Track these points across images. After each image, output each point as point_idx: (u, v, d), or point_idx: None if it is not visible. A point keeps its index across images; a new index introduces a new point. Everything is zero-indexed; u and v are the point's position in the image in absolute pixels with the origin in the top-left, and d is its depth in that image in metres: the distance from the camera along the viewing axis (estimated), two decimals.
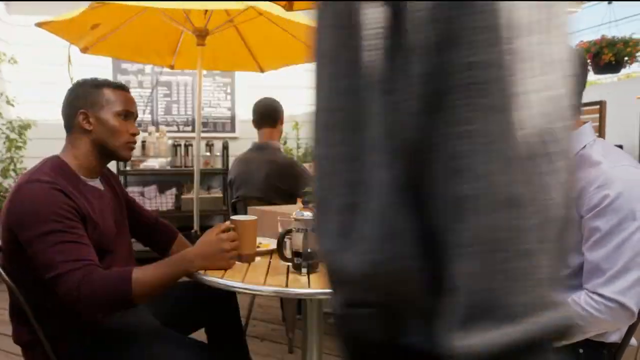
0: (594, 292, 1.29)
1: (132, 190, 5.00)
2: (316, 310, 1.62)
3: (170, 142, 5.25)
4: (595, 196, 1.30)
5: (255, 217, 1.55)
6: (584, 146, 1.40)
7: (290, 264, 1.44)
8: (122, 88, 1.66)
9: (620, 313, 1.27)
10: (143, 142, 5.13)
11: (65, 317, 1.50)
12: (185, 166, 5.23)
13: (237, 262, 1.52)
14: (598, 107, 5.91)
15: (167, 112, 5.41)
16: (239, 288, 1.31)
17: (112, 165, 5.23)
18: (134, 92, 5.38)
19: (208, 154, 5.27)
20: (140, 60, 4.69)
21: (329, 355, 2.26)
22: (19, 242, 1.44)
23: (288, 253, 1.42)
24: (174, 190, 5.20)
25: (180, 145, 5.26)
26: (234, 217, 1.54)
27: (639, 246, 1.26)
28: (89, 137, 1.60)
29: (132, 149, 1.69)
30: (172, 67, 4.69)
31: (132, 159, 4.99)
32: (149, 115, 5.43)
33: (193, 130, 5.45)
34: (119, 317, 1.58)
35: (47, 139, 5.27)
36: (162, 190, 5.12)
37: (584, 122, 1.44)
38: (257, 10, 3.80)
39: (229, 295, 1.98)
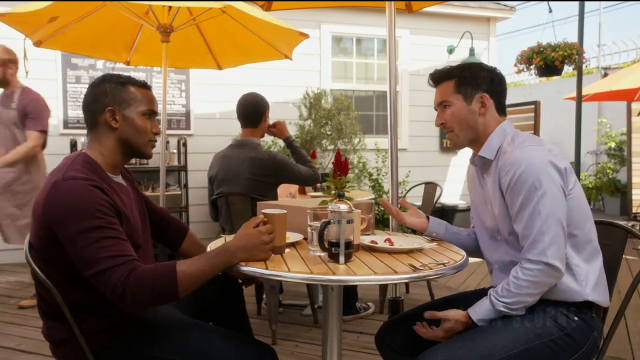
0: (523, 259, 1.54)
1: None
2: (336, 299, 1.71)
3: None
4: (505, 179, 1.59)
5: (286, 211, 1.62)
6: (503, 141, 1.69)
7: (324, 253, 1.53)
8: (145, 87, 1.68)
9: (548, 272, 1.51)
10: None
11: (99, 313, 1.52)
12: (141, 163, 5.14)
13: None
14: (533, 106, 6.35)
15: None
16: (292, 279, 1.39)
17: None
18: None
19: (165, 151, 5.19)
20: (95, 56, 4.57)
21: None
22: (55, 239, 1.44)
23: (326, 243, 1.51)
24: None
25: None
26: (266, 211, 1.60)
27: (547, 210, 1.51)
28: (114, 134, 1.61)
29: (154, 147, 1.71)
30: (127, 63, 4.61)
31: None
32: None
33: None
34: (150, 311, 1.62)
35: None
36: None
37: (503, 121, 1.74)
38: (221, 9, 3.82)
39: (236, 290, 2.04)
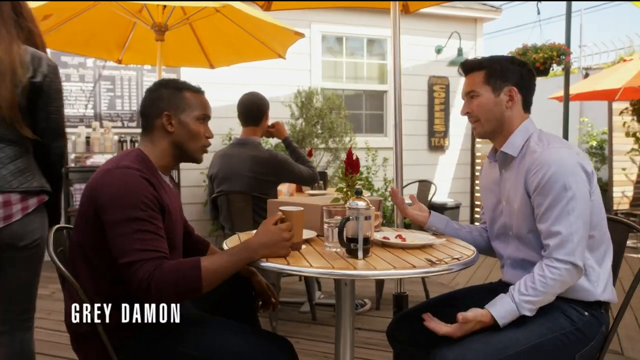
0: (549, 259, 1.55)
1: (80, 188, 4.81)
2: (349, 295, 1.75)
3: (115, 137, 5.11)
4: (534, 178, 1.61)
5: (302, 209, 1.65)
6: (528, 138, 1.72)
7: (340, 249, 1.58)
8: (200, 92, 1.72)
9: (573, 272, 1.54)
10: (87, 137, 4.97)
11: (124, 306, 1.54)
12: None
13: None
14: None
15: (111, 107, 5.26)
16: (315, 274, 1.42)
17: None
18: (75, 86, 5.18)
19: None
20: (87, 54, 4.55)
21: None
22: (98, 224, 1.48)
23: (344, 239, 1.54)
24: None
25: (126, 140, 5.14)
26: (284, 208, 1.63)
27: (576, 211, 1.55)
28: (169, 138, 1.65)
29: (205, 152, 1.75)
30: (119, 62, 4.59)
31: (76, 155, 4.81)
32: (92, 110, 5.24)
33: (138, 126, 5.33)
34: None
35: None
36: None
37: (526, 118, 1.77)
38: (215, 8, 3.83)
39: (246, 287, 2.06)
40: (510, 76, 1.73)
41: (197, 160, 1.74)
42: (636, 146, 7.16)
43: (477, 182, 7.15)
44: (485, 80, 1.74)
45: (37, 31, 1.84)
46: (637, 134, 6.96)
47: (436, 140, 6.74)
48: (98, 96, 5.26)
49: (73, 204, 4.91)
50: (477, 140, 7.01)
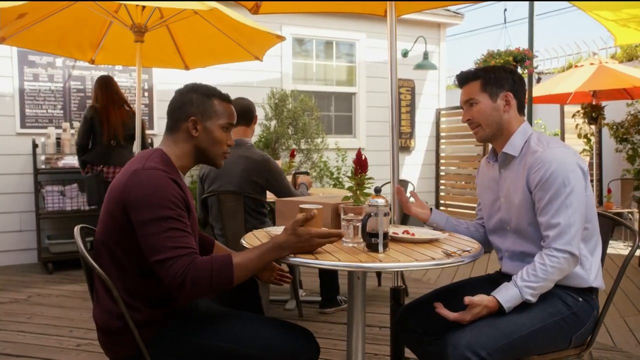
0: (549, 248, 1.71)
1: (52, 189, 4.71)
2: (361, 288, 1.85)
3: None
4: (536, 175, 1.76)
5: (321, 206, 1.74)
6: (527, 139, 1.87)
7: (357, 244, 1.68)
8: (228, 100, 1.78)
9: (570, 260, 1.71)
10: (58, 139, 4.87)
11: (154, 303, 1.58)
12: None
13: None
14: None
15: (81, 107, 5.16)
16: (345, 267, 1.51)
17: (29, 164, 4.80)
18: (44, 86, 5.07)
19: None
20: (60, 53, 4.46)
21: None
22: (127, 222, 1.52)
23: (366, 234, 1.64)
24: None
25: None
26: (304, 207, 1.71)
27: (574, 205, 1.71)
28: (192, 142, 1.70)
29: (225, 157, 1.80)
30: (92, 62, 4.55)
31: (47, 157, 4.71)
32: (62, 111, 5.13)
33: None
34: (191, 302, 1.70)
35: None
36: (83, 189, 4.89)
37: (523, 121, 1.92)
38: (194, 9, 3.85)
39: (253, 282, 2.13)
40: (504, 83, 1.88)
41: (217, 165, 1.79)
42: (587, 147, 7.57)
43: (442, 181, 7.40)
44: (482, 88, 1.89)
45: (127, 102, 4.55)
46: (588, 136, 7.37)
47: (402, 142, 6.94)
48: (68, 96, 5.15)
49: (45, 206, 4.80)
50: (442, 141, 7.26)
